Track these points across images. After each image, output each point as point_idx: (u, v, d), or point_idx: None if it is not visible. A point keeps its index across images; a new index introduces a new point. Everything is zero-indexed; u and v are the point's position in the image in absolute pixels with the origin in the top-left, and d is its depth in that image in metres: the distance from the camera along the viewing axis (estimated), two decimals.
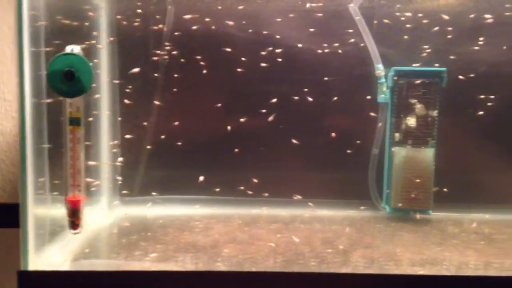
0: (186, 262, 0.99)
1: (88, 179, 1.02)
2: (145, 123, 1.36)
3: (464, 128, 1.40)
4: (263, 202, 1.40)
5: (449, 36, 1.34)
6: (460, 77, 1.36)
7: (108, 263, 0.99)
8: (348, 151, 1.36)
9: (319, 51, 1.37)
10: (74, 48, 0.86)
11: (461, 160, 1.41)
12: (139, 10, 1.33)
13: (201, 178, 1.32)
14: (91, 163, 1.16)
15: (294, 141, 1.33)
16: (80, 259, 1.00)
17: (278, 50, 1.35)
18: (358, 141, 1.39)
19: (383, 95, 1.36)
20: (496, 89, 1.37)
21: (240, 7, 1.34)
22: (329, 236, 1.18)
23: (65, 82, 0.83)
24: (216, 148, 1.39)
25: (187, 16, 1.32)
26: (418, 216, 1.33)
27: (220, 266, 0.97)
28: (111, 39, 1.29)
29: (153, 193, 1.37)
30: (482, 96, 1.37)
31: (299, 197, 1.39)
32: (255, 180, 1.37)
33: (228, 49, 1.34)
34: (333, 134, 1.36)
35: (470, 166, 1.41)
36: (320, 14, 1.35)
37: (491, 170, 1.39)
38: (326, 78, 1.38)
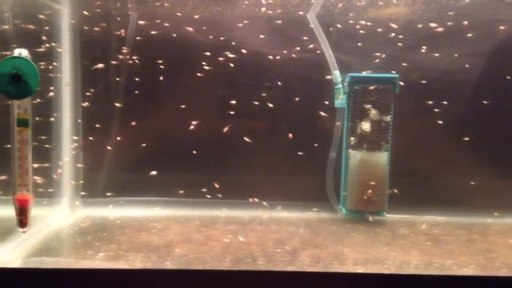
0: (135, 261, 1.01)
1: (37, 179, 1.04)
2: (106, 125, 1.38)
3: (418, 132, 1.43)
4: (223, 204, 1.43)
5: (400, 44, 1.38)
6: (414, 83, 1.39)
7: (58, 261, 1.01)
8: (300, 153, 1.39)
9: (278, 57, 1.40)
10: (22, 52, 0.88)
11: (416, 164, 1.45)
12: (100, 14, 1.35)
13: (154, 172, 1.34)
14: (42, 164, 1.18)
15: (246, 139, 1.36)
16: (32, 257, 1.02)
17: (234, 55, 1.38)
18: (315, 144, 1.41)
19: (340, 100, 1.39)
20: (447, 95, 1.40)
21: (197, 16, 1.37)
22: (282, 237, 1.21)
23: (12, 84, 0.85)
24: (177, 150, 1.41)
25: (145, 22, 1.35)
26: (370, 218, 1.36)
27: (168, 264, 1.00)
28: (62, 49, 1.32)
29: (114, 195, 1.39)
30: (433, 102, 1.40)
31: (255, 199, 1.41)
32: (216, 183, 1.39)
33: (188, 54, 1.37)
34: (290, 135, 1.38)
35: (424, 170, 1.45)
36: (279, 21, 1.38)
37: (444, 173, 1.43)
38: (279, 83, 1.41)
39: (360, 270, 1.00)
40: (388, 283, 0.96)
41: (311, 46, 1.39)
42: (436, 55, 1.39)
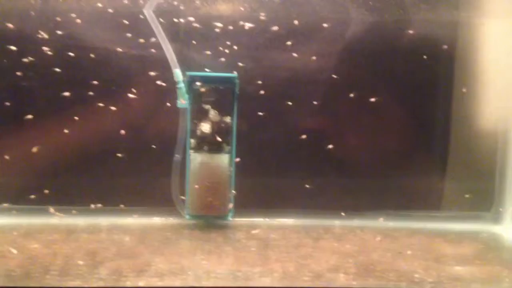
0: None
1: None
2: None
3: (265, 134, 1.39)
4: (61, 211, 1.35)
5: (247, 43, 1.33)
6: (259, 82, 1.34)
7: None
8: (119, 155, 1.32)
9: (120, 53, 1.32)
10: None
11: (266, 166, 1.40)
12: None
13: None
14: None
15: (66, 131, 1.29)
16: None
17: (73, 54, 1.31)
18: (153, 146, 1.35)
19: (182, 100, 1.33)
20: (295, 96, 1.36)
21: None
22: (99, 247, 1.15)
23: None
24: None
25: None
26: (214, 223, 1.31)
27: None
28: None
29: None
30: (280, 103, 1.36)
31: (99, 205, 1.34)
32: (46, 190, 1.31)
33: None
34: (122, 131, 1.31)
35: (274, 172, 1.40)
36: (120, 17, 1.31)
37: (292, 174, 1.39)
38: (123, 82, 1.33)
39: (158, 282, 0.94)
40: None
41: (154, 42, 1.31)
42: (284, 55, 1.33)
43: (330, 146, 1.38)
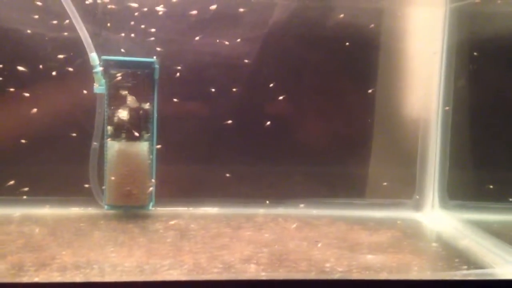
0: None
1: None
2: None
3: (188, 121, 1.35)
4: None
5: (168, 26, 1.29)
6: (178, 68, 1.29)
7: None
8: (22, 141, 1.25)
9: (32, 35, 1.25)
10: None
11: (190, 154, 1.37)
12: None
13: None
14: None
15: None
16: None
17: None
18: (73, 134, 1.29)
19: (99, 85, 1.27)
20: (216, 82, 1.32)
21: None
22: (5, 239, 1.08)
23: None
24: None
25: None
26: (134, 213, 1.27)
27: None
28: None
29: None
30: (203, 88, 1.33)
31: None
32: None
33: None
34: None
35: (197, 160, 1.37)
36: None
37: (218, 164, 1.36)
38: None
39: (58, 277, 0.89)
40: None
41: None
42: (208, 40, 1.30)
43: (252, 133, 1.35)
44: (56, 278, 0.91)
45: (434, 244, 1.19)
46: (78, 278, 0.90)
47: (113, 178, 1.27)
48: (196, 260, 1.01)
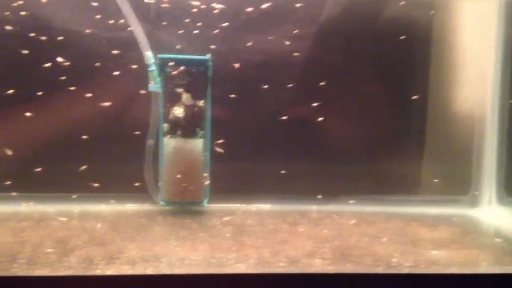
0: None
1: None
2: None
3: (241, 118, 1.35)
4: (31, 198, 1.30)
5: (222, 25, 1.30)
6: (237, 65, 1.30)
7: None
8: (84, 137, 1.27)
9: (90, 35, 1.27)
10: None
11: (242, 151, 1.37)
12: None
13: None
14: None
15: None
16: None
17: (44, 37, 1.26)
18: (137, 132, 1.31)
19: (154, 83, 1.29)
20: (269, 79, 1.33)
21: None
22: (69, 234, 1.11)
23: None
24: None
25: None
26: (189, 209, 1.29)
27: None
28: None
29: None
30: (255, 86, 1.33)
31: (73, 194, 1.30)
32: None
33: None
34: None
35: (250, 157, 1.38)
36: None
37: (268, 159, 1.36)
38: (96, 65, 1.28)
39: (130, 271, 0.90)
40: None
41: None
42: (259, 38, 1.32)
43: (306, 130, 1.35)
44: (128, 271, 0.91)
45: (497, 240, 1.17)
46: (150, 271, 0.91)
47: (169, 174, 1.27)
48: (260, 255, 1.01)
